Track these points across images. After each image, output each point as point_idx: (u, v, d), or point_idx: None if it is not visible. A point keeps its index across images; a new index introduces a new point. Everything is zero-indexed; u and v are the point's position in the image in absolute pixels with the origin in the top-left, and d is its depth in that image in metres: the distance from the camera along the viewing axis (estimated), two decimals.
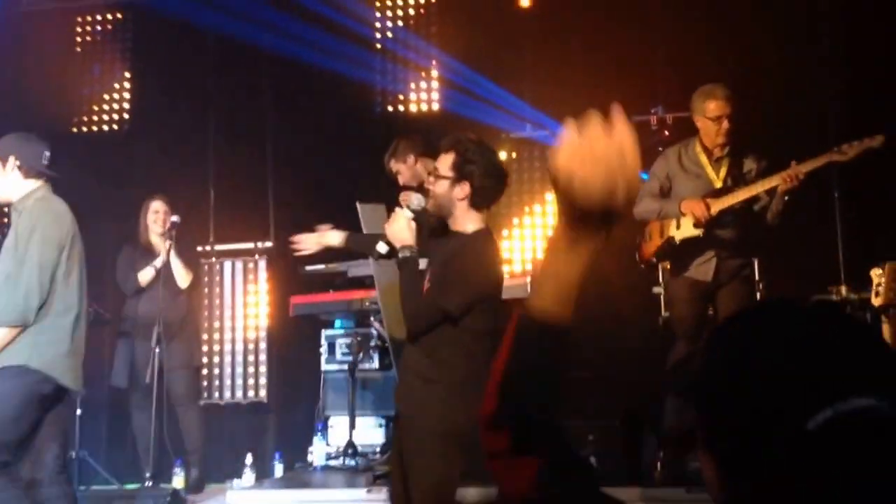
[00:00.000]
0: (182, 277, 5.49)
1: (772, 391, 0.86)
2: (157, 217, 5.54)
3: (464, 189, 3.13)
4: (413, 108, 6.61)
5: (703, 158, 4.63)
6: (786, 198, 4.36)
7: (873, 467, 0.83)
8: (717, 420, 0.90)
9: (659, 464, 4.43)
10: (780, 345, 0.89)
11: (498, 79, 6.19)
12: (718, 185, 4.58)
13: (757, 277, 4.93)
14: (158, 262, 5.44)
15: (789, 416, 0.84)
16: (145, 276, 5.48)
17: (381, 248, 3.22)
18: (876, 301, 3.79)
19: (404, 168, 5.36)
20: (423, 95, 6.60)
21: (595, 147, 1.03)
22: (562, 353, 1.09)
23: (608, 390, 5.08)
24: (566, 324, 1.08)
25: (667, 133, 5.41)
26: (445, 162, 3.17)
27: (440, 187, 3.16)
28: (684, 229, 4.62)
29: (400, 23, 6.64)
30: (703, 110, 4.55)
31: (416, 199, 3.23)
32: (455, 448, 2.99)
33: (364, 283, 5.27)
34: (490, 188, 3.14)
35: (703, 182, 4.61)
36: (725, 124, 4.50)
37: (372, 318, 5.34)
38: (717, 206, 4.52)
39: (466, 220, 3.15)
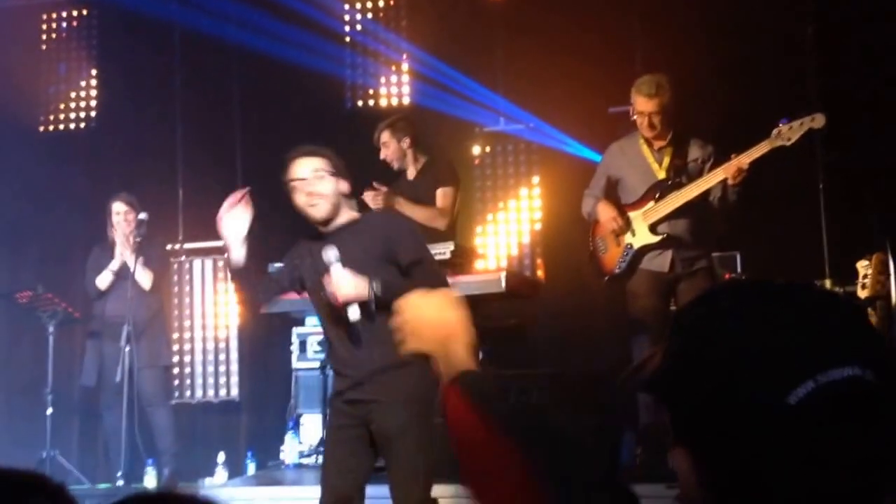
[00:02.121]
0: (143, 279, 5.41)
1: (747, 369, 0.84)
2: (119, 218, 5.46)
3: (345, 184, 3.36)
4: (384, 102, 6.55)
5: (645, 149, 4.65)
6: (737, 189, 4.37)
7: (861, 434, 0.82)
8: (690, 408, 0.87)
9: (638, 460, 4.41)
10: (750, 322, 0.87)
11: (470, 72, 6.13)
12: (661, 175, 4.59)
13: (740, 270, 4.93)
14: (115, 265, 5.39)
15: (768, 392, 0.82)
16: (103, 280, 5.41)
17: (354, 314, 3.14)
18: (862, 293, 3.77)
19: (394, 144, 5.27)
20: (394, 90, 6.53)
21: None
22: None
23: (586, 386, 5.05)
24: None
25: None
26: (319, 165, 3.34)
27: (329, 187, 3.31)
28: (640, 236, 4.61)
29: (370, 15, 6.57)
30: (633, 104, 4.59)
31: (332, 253, 3.19)
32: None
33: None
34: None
35: (647, 173, 4.62)
36: (651, 119, 4.52)
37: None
38: (662, 209, 4.53)
39: (349, 211, 3.38)
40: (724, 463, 0.85)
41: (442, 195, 5.22)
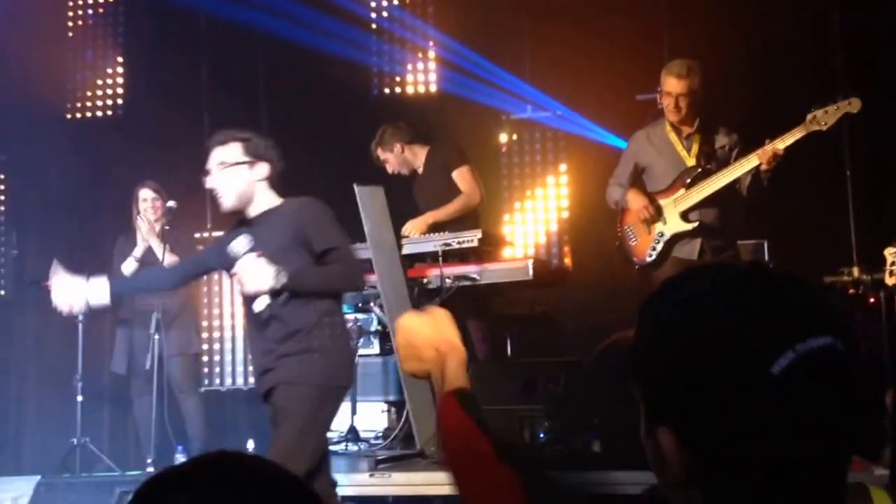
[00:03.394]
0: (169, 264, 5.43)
1: (729, 343, 0.86)
2: (146, 205, 5.47)
3: (263, 168, 3.29)
4: (410, 89, 6.52)
5: (673, 136, 4.61)
6: (769, 175, 4.33)
7: (837, 401, 0.86)
8: (671, 387, 0.89)
9: None
10: (724, 299, 0.90)
11: (497, 59, 6.09)
12: (690, 162, 4.55)
13: (767, 258, 4.89)
14: (138, 252, 5.40)
15: (751, 364, 0.85)
16: (128, 267, 5.42)
17: (259, 304, 3.18)
18: (890, 281, 3.74)
19: (391, 157, 5.35)
20: (421, 77, 6.50)
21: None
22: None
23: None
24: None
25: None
26: (227, 155, 3.29)
27: (231, 181, 3.27)
28: (672, 224, 4.57)
29: (396, 2, 6.53)
30: (662, 85, 4.55)
31: (242, 243, 3.20)
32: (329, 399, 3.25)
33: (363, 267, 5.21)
34: (279, 164, 3.33)
35: (676, 161, 4.58)
36: (679, 102, 4.48)
37: (372, 304, 5.30)
38: (694, 196, 4.50)
39: (270, 197, 3.33)
40: (711, 436, 0.86)
41: (460, 177, 5.23)
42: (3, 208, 6.74)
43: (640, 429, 0.95)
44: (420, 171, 5.40)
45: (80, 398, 5.29)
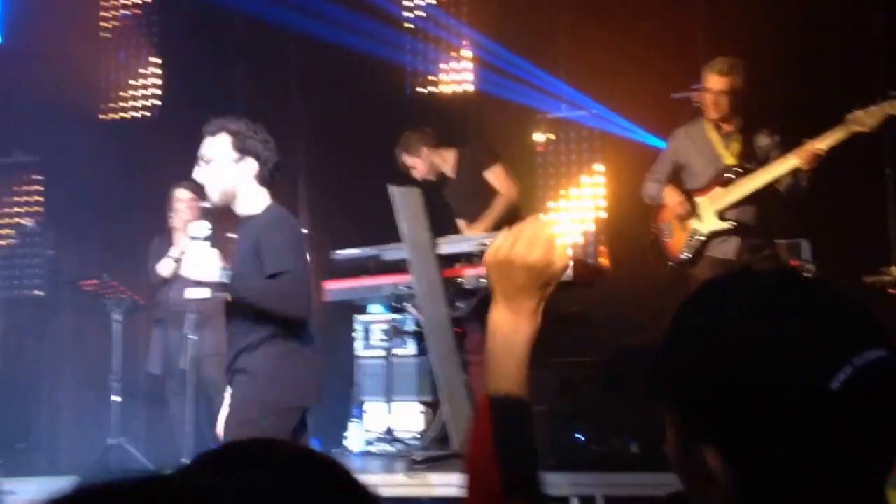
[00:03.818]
0: None
1: (783, 358, 0.82)
2: (181, 205, 5.48)
3: (251, 166, 3.10)
4: (444, 89, 6.48)
5: (713, 134, 4.57)
6: (808, 175, 4.28)
7: (892, 415, 0.83)
8: (718, 405, 0.84)
9: None
10: (773, 313, 0.86)
11: (533, 57, 6.04)
12: (729, 161, 4.51)
13: (806, 258, 4.82)
14: (175, 252, 5.40)
15: (809, 378, 0.82)
16: (164, 267, 5.43)
17: (193, 293, 3.17)
18: None
19: (419, 162, 5.27)
20: (455, 76, 6.47)
21: (521, 236, 1.19)
22: (531, 427, 1.19)
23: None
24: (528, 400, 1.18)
25: None
26: (214, 149, 3.12)
27: (214, 176, 3.11)
28: (708, 222, 4.53)
29: (430, 0, 6.50)
30: (704, 82, 4.50)
31: (202, 228, 3.13)
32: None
33: (399, 267, 5.18)
34: (271, 159, 3.14)
35: (715, 159, 4.55)
36: (719, 99, 4.44)
37: (407, 304, 5.26)
38: (731, 195, 4.44)
39: (257, 201, 3.16)
40: (764, 454, 0.83)
41: (493, 177, 5.17)
42: (39, 209, 6.79)
43: (669, 446, 0.90)
44: (450, 175, 5.34)
45: (116, 398, 5.30)
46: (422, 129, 5.40)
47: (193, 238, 3.11)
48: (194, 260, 3.05)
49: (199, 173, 3.20)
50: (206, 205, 5.22)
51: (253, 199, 3.18)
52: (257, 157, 3.12)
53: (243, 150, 3.11)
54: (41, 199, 6.87)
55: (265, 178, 3.16)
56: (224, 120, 3.17)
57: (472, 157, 5.27)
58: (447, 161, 5.33)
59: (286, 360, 3.18)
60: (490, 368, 1.18)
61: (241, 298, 3.11)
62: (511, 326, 1.18)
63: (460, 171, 5.30)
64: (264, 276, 3.07)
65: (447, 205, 5.33)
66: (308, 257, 3.30)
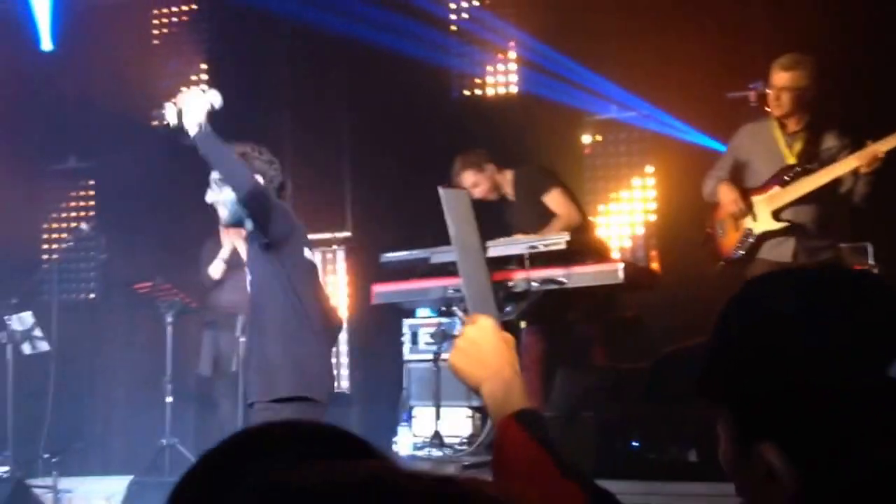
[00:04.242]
0: None
1: (841, 349, 0.82)
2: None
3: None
4: (490, 91, 6.44)
5: (777, 132, 4.47)
6: (869, 178, 4.16)
7: None
8: (778, 402, 0.84)
9: None
10: (823, 305, 0.86)
11: (580, 57, 5.95)
12: (791, 160, 4.41)
13: (871, 262, 4.69)
14: (225, 254, 5.45)
15: (869, 368, 0.81)
16: (215, 269, 5.48)
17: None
18: None
19: (483, 178, 5.16)
20: (501, 78, 6.42)
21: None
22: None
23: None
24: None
25: (767, 109, 5.17)
26: None
27: (225, 194, 3.43)
28: (763, 221, 4.44)
29: (476, 2, 6.46)
30: (770, 79, 4.40)
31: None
32: None
33: (447, 269, 5.15)
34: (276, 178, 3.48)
35: (776, 158, 4.46)
36: (781, 96, 4.33)
37: (455, 307, 5.22)
38: (787, 195, 4.33)
39: None
40: (827, 450, 0.82)
41: (552, 201, 5.09)
42: (92, 213, 6.90)
43: (722, 449, 0.88)
44: (509, 195, 5.26)
45: (169, 399, 5.35)
46: (475, 150, 5.32)
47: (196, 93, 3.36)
48: (196, 105, 3.36)
49: (209, 195, 3.48)
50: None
51: None
52: (263, 175, 3.39)
53: (252, 167, 3.43)
54: (93, 203, 6.99)
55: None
56: (233, 144, 3.48)
57: (528, 180, 5.18)
58: (506, 181, 5.25)
59: (300, 351, 3.37)
60: (501, 404, 1.28)
61: (205, 150, 3.39)
62: (502, 393, 1.28)
63: (518, 194, 5.22)
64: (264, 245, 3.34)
65: (509, 225, 5.21)
66: (293, 222, 3.48)
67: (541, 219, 5.06)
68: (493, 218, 5.15)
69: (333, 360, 6.39)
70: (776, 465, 0.83)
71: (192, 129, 3.34)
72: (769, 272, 0.96)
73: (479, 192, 5.19)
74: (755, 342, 0.86)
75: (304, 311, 3.40)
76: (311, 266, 3.66)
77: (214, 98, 3.39)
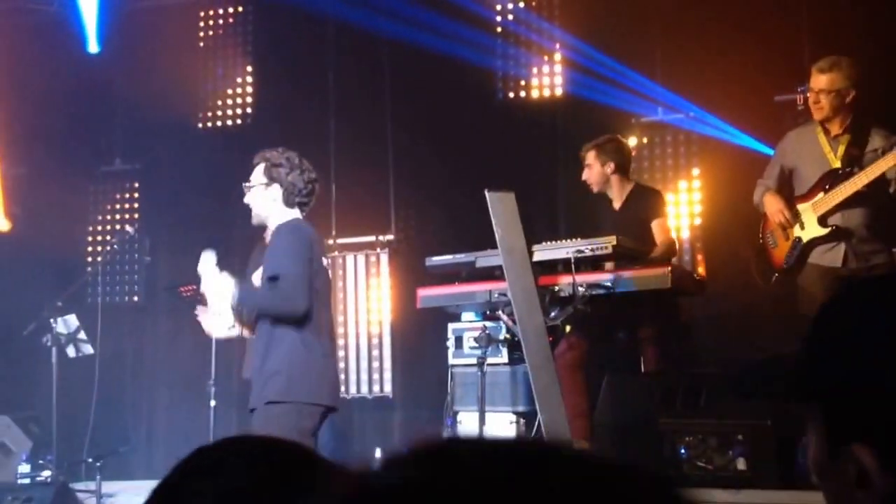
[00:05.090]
0: None
1: None
2: None
3: (275, 190, 3.51)
4: (535, 93, 6.37)
5: (822, 137, 4.38)
6: None
7: None
8: (878, 403, 0.84)
9: None
10: None
11: (627, 60, 5.86)
12: (835, 164, 4.32)
13: None
14: None
15: None
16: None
17: (221, 329, 3.78)
18: None
19: (599, 168, 5.08)
20: (546, 80, 6.34)
21: None
22: None
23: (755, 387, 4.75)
24: None
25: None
26: (253, 176, 3.60)
27: (253, 200, 3.59)
28: (810, 229, 4.37)
29: (522, 4, 6.40)
30: (809, 82, 4.33)
31: (207, 260, 3.58)
32: None
33: (493, 273, 5.10)
34: (297, 184, 3.51)
35: (822, 163, 4.39)
36: (820, 98, 4.26)
37: (500, 311, 5.17)
38: (830, 200, 4.26)
39: (280, 219, 3.55)
40: None
41: (658, 228, 5.05)
42: (137, 216, 6.95)
43: (812, 450, 0.89)
44: (615, 204, 5.18)
45: (213, 403, 5.35)
46: (626, 144, 5.30)
47: (204, 270, 3.53)
48: (214, 289, 3.49)
49: (246, 198, 3.71)
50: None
51: (278, 220, 3.58)
52: (281, 183, 3.51)
53: (271, 176, 3.55)
54: (137, 205, 7.04)
55: (290, 202, 3.55)
56: (266, 150, 3.64)
57: (646, 200, 5.10)
58: (616, 187, 5.15)
59: (297, 358, 3.47)
60: None
61: (249, 311, 3.57)
62: None
63: (629, 207, 5.14)
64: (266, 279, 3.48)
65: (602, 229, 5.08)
66: (322, 258, 3.57)
67: (639, 240, 4.96)
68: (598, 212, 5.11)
69: (376, 364, 6.43)
70: (870, 467, 0.83)
71: (229, 311, 3.60)
72: (870, 278, 1.02)
73: (585, 175, 5.12)
74: (854, 343, 0.86)
75: (314, 319, 3.49)
76: (325, 274, 3.74)
77: (210, 263, 3.61)
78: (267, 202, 3.56)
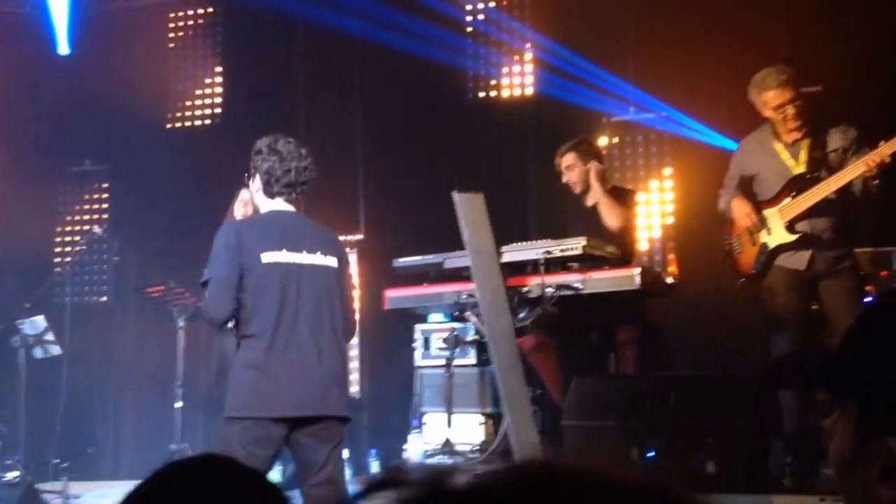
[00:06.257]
0: None
1: None
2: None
3: (257, 182, 3.45)
4: (506, 93, 6.35)
5: (776, 144, 4.37)
6: (877, 182, 4.05)
7: None
8: None
9: (787, 470, 4.11)
10: None
11: (597, 59, 5.85)
12: (798, 169, 4.31)
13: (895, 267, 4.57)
14: None
15: None
16: None
17: None
18: None
19: (581, 167, 5.05)
20: (517, 80, 6.32)
21: None
22: None
23: (728, 390, 4.70)
24: None
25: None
26: (251, 163, 3.51)
27: (246, 195, 3.71)
28: (776, 234, 4.36)
29: (492, 3, 6.38)
30: (763, 102, 4.31)
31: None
32: None
33: (461, 275, 5.06)
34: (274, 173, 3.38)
35: (783, 168, 4.35)
36: (790, 110, 4.24)
37: (468, 312, 5.13)
38: (799, 206, 4.26)
39: (264, 210, 3.50)
40: None
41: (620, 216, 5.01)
42: (106, 216, 6.89)
43: (837, 442, 0.92)
44: (588, 201, 5.15)
45: (179, 404, 5.30)
46: (593, 142, 5.31)
47: None
48: None
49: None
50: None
51: (262, 211, 3.54)
52: (259, 172, 3.43)
53: (253, 166, 3.48)
54: (106, 206, 6.98)
55: (269, 191, 3.43)
56: (264, 138, 3.53)
57: (621, 200, 5.10)
58: (595, 187, 5.13)
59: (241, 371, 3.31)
60: None
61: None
62: None
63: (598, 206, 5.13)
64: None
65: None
66: (241, 256, 3.30)
67: (612, 239, 4.91)
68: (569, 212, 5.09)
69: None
70: (879, 466, 0.87)
71: None
72: None
73: (567, 177, 5.08)
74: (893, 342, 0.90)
75: (253, 321, 3.25)
76: (272, 270, 3.27)
77: None
78: (254, 193, 3.53)
